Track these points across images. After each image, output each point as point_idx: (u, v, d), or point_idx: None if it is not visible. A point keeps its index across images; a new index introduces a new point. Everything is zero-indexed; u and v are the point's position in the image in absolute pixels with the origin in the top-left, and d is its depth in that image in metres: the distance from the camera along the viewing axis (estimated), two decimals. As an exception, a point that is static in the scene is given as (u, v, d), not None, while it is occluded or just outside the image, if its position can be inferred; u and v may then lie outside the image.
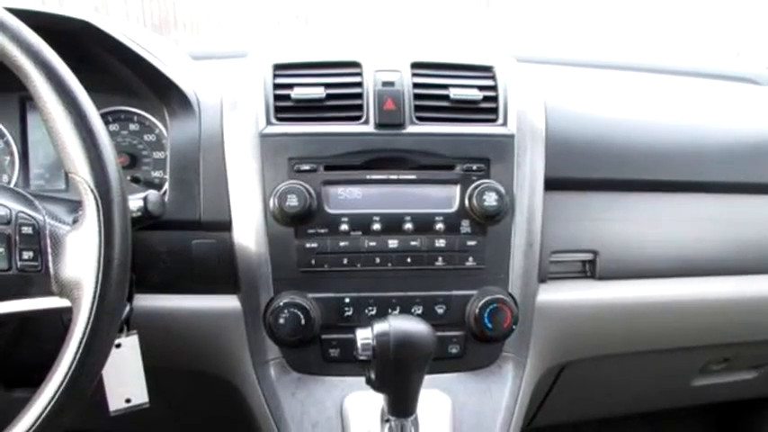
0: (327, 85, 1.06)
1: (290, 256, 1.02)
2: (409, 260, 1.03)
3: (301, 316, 0.99)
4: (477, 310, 1.02)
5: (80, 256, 0.77)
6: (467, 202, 1.03)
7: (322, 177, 1.02)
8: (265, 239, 1.02)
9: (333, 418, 1.01)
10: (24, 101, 1.15)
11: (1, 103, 1.14)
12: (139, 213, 0.93)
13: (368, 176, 1.03)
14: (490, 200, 1.01)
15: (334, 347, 1.03)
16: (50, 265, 0.79)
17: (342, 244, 1.02)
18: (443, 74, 1.10)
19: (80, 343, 0.74)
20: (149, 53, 1.06)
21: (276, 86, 1.06)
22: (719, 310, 1.24)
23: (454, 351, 1.05)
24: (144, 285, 1.00)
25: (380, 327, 0.82)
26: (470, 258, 1.04)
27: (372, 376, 0.84)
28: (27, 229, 0.79)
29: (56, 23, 1.01)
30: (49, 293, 0.79)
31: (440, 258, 1.04)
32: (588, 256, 1.16)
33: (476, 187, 1.02)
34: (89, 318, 0.75)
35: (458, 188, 1.04)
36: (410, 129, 1.04)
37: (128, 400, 0.98)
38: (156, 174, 1.16)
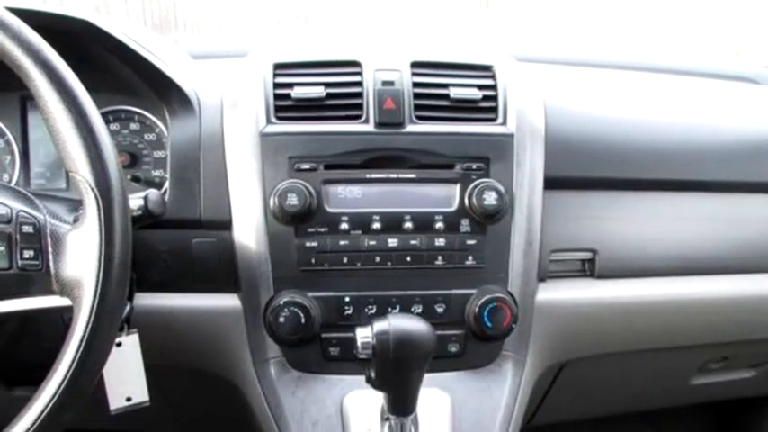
0: (327, 85, 1.06)
1: (291, 255, 1.02)
2: (409, 259, 1.03)
3: (301, 315, 0.99)
4: (476, 309, 1.02)
5: (81, 255, 0.77)
6: (466, 201, 1.03)
7: (322, 176, 1.02)
8: (265, 238, 1.02)
9: (333, 416, 1.01)
10: (25, 100, 1.15)
11: (2, 103, 1.14)
12: (140, 212, 0.93)
13: (368, 175, 1.04)
14: (490, 199, 1.02)
15: (334, 346, 1.03)
16: (51, 263, 0.79)
17: (342, 243, 1.02)
18: (443, 73, 1.10)
19: (81, 342, 0.75)
20: (150, 53, 1.07)
21: (276, 86, 1.06)
22: (718, 308, 1.24)
23: (454, 350, 1.05)
24: (144, 284, 1.00)
25: (380, 325, 0.82)
26: (470, 257, 1.04)
27: (372, 375, 0.84)
28: (28, 228, 0.79)
29: (57, 23, 1.01)
30: (50, 292, 0.79)
31: (439, 257, 1.04)
32: (588, 255, 1.16)
33: (475, 186, 1.02)
34: (90, 316, 0.75)
35: (457, 187, 1.04)
36: (410, 128, 1.05)
37: (128, 399, 0.99)
38: (157, 173, 1.16)
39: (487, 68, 1.12)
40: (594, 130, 1.17)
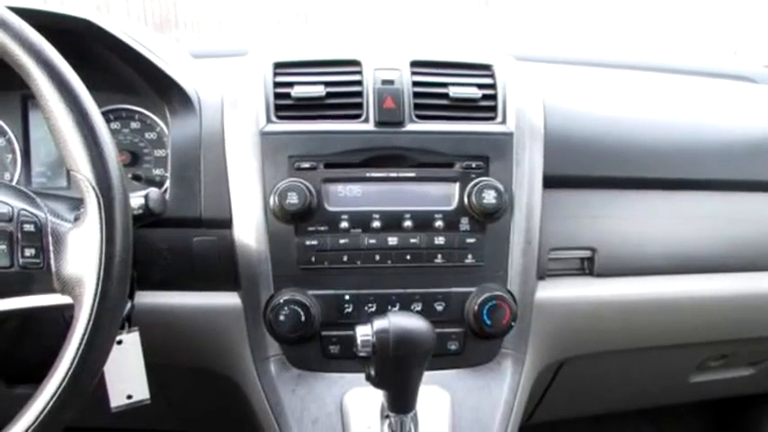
0: (327, 84, 1.06)
1: (291, 254, 1.02)
2: (409, 257, 1.04)
3: (301, 313, 1.00)
4: (476, 307, 1.02)
5: (81, 254, 0.77)
6: (466, 199, 1.03)
7: (322, 175, 1.03)
8: (266, 237, 1.02)
9: (333, 414, 1.01)
10: (26, 99, 1.16)
11: (3, 102, 1.15)
12: (141, 211, 0.94)
13: (368, 174, 1.04)
14: (489, 197, 1.02)
15: (334, 344, 1.04)
16: (52, 262, 0.79)
17: (342, 241, 1.03)
18: (443, 72, 1.11)
19: (81, 340, 0.75)
20: (151, 52, 1.07)
21: (276, 85, 1.07)
22: (717, 307, 1.24)
23: (453, 348, 1.05)
24: (145, 282, 1.01)
25: (380, 323, 0.82)
26: (469, 255, 1.05)
27: (372, 373, 0.84)
28: (29, 227, 0.80)
29: (58, 22, 1.01)
30: (51, 290, 0.79)
31: (439, 255, 1.04)
32: (587, 254, 1.16)
33: (475, 185, 1.03)
34: (90, 315, 0.75)
35: (457, 186, 1.04)
36: (410, 127, 1.05)
37: (129, 397, 0.99)
38: (158, 171, 1.16)
39: (487, 67, 1.12)
40: (593, 129, 1.18)
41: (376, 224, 1.03)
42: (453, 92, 1.07)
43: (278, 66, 1.09)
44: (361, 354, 0.83)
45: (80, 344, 0.75)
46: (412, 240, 1.03)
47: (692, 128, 1.24)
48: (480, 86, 1.09)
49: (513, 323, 1.04)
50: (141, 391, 1.00)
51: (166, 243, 1.05)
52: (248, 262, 1.03)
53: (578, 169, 1.15)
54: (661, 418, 1.94)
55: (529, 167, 1.07)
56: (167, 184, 1.09)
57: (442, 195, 1.05)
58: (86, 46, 1.03)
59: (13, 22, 0.75)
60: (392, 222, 1.03)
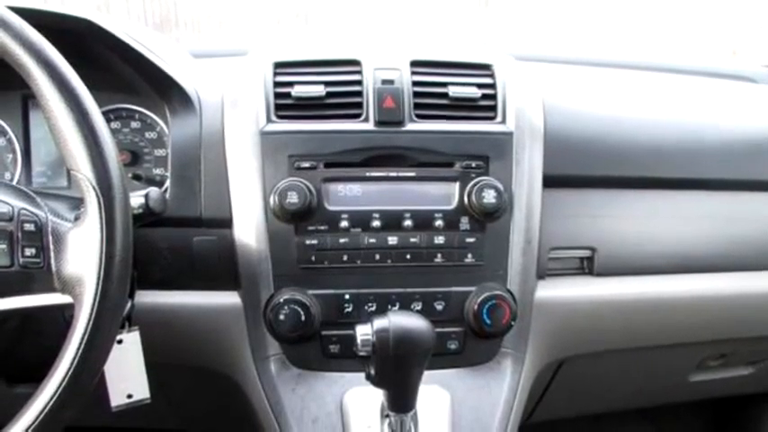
0: (327, 83, 1.06)
1: (291, 253, 1.03)
2: (409, 257, 1.04)
3: (301, 312, 1.00)
4: (475, 307, 1.03)
5: (82, 253, 0.77)
6: (466, 199, 1.03)
7: (322, 175, 1.03)
8: (266, 236, 1.02)
9: (333, 413, 1.01)
10: (27, 99, 1.16)
11: (3, 101, 1.15)
12: (141, 210, 0.94)
13: (368, 174, 1.04)
14: (489, 197, 1.02)
15: (334, 343, 1.04)
16: (52, 261, 0.79)
17: (342, 241, 1.03)
18: (443, 72, 1.11)
19: (82, 339, 0.75)
20: (151, 51, 1.07)
21: (276, 84, 1.07)
22: (717, 306, 1.25)
23: (453, 347, 1.05)
24: (145, 282, 1.01)
25: (380, 323, 0.82)
26: (469, 255, 1.05)
27: (372, 372, 0.84)
28: (29, 226, 0.80)
29: (58, 22, 1.01)
30: (51, 290, 0.79)
31: (439, 255, 1.04)
32: (586, 253, 1.16)
33: (475, 184, 1.03)
34: (91, 314, 0.75)
35: (457, 185, 1.04)
36: (409, 126, 1.05)
37: (129, 396, 0.99)
38: (158, 171, 1.16)
39: (486, 67, 1.13)
40: (593, 129, 1.18)
41: (376, 223, 1.03)
42: (453, 91, 1.07)
43: (278, 65, 1.09)
44: (361, 353, 0.83)
45: (80, 343, 0.75)
46: (412, 240, 1.04)
47: (692, 127, 1.24)
48: (480, 86, 1.09)
49: (512, 322, 1.04)
50: (141, 391, 1.00)
51: (167, 242, 1.05)
52: (248, 261, 1.03)
53: (578, 169, 1.15)
54: (660, 417, 1.94)
55: (529, 167, 1.07)
56: (167, 183, 1.09)
57: (441, 195, 1.05)
58: (87, 46, 1.03)
59: (14, 21, 0.75)
60: (392, 222, 1.03)
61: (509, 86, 1.10)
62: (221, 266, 1.05)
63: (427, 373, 0.87)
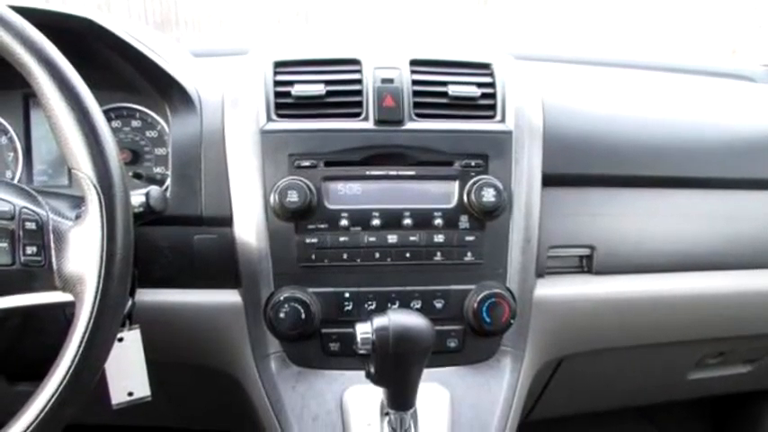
0: (327, 82, 1.07)
1: (291, 251, 1.03)
2: (408, 255, 1.04)
3: (301, 310, 1.00)
4: (475, 305, 1.03)
5: (83, 252, 0.77)
6: (465, 197, 1.04)
7: (322, 173, 1.03)
8: (266, 235, 1.03)
9: (333, 411, 1.01)
10: (28, 98, 1.16)
11: (5, 100, 1.15)
12: (141, 209, 0.94)
13: (367, 172, 1.04)
14: (488, 195, 1.02)
15: (333, 341, 1.04)
16: (53, 260, 0.79)
17: (341, 239, 1.03)
18: (442, 71, 1.11)
19: (83, 337, 0.75)
20: (151, 50, 1.07)
21: (277, 83, 1.07)
22: (716, 304, 1.25)
23: (453, 345, 1.06)
24: (146, 280, 1.01)
25: (380, 321, 0.82)
26: (469, 253, 1.05)
27: (372, 370, 0.84)
28: (30, 225, 0.80)
29: (59, 21, 1.01)
30: (53, 288, 0.79)
31: (438, 253, 1.05)
32: (585, 252, 1.17)
33: (474, 183, 1.03)
34: (92, 312, 0.75)
35: (456, 184, 1.05)
36: (409, 125, 1.05)
37: (130, 394, 0.99)
38: (158, 170, 1.17)
39: (486, 66, 1.13)
40: (592, 128, 1.18)
41: (376, 222, 1.03)
42: (453, 90, 1.08)
43: (278, 64, 1.09)
44: (361, 351, 0.83)
45: (81, 341, 0.75)
46: (411, 238, 1.04)
47: (691, 126, 1.24)
48: (479, 85, 1.10)
49: (512, 321, 1.04)
50: (142, 389, 1.00)
51: (167, 241, 1.05)
52: (249, 260, 1.04)
53: (577, 167, 1.15)
54: (659, 415, 1.94)
55: (528, 166, 1.08)
56: (168, 182, 1.09)
57: (441, 193, 1.05)
58: (88, 45, 1.03)
59: (15, 20, 0.75)
60: (392, 220, 1.04)
61: (508, 85, 1.10)
62: (222, 265, 1.06)
63: (427, 371, 0.87)
